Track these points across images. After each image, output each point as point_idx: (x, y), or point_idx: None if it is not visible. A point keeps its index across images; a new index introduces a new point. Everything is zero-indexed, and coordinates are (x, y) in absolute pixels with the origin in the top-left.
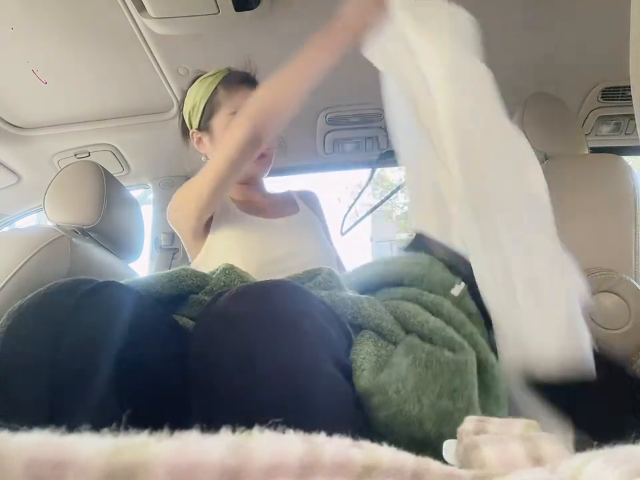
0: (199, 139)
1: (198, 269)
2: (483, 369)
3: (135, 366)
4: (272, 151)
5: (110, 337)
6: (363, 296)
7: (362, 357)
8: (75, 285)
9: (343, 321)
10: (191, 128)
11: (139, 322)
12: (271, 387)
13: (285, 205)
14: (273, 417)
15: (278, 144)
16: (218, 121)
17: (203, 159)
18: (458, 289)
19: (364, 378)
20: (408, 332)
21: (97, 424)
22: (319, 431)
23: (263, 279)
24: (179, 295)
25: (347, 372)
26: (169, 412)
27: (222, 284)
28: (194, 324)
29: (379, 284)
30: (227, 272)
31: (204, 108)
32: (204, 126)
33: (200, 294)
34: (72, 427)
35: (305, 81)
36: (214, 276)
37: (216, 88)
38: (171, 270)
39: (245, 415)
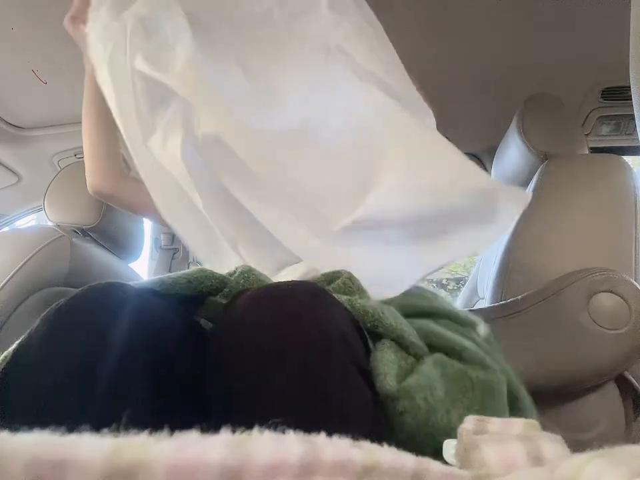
0: None
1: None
2: (511, 403)
3: (166, 371)
4: None
5: (147, 345)
6: (385, 305)
7: (383, 363)
8: (112, 290)
9: (361, 326)
10: None
11: (172, 328)
12: (292, 391)
13: None
14: (295, 422)
15: None
16: None
17: None
18: (483, 328)
19: (389, 381)
20: (434, 351)
21: (132, 424)
22: (342, 436)
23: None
24: (197, 296)
25: (368, 378)
26: (193, 414)
27: (241, 287)
28: (212, 325)
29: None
30: (245, 275)
31: None
32: None
33: (218, 296)
34: (107, 426)
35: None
36: (232, 278)
37: None
38: (188, 270)
39: (265, 420)
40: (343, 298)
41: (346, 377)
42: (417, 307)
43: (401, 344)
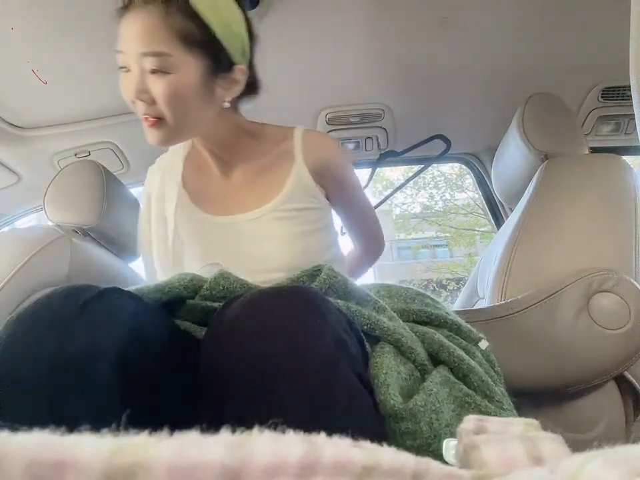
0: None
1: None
2: None
3: (138, 372)
4: (167, 112)
5: (113, 345)
6: (382, 309)
7: (384, 371)
8: (75, 292)
9: (357, 328)
10: (237, 63)
11: (142, 328)
12: (290, 397)
13: (264, 186)
14: (293, 426)
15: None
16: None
17: (226, 104)
18: (485, 343)
19: (394, 398)
20: (437, 362)
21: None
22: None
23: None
24: (175, 300)
25: (367, 384)
26: (173, 417)
27: (221, 288)
28: (196, 327)
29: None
30: (224, 275)
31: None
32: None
33: (196, 298)
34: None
35: None
36: (211, 279)
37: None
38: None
39: (261, 424)
40: (340, 303)
41: (342, 382)
42: (417, 313)
43: (399, 348)
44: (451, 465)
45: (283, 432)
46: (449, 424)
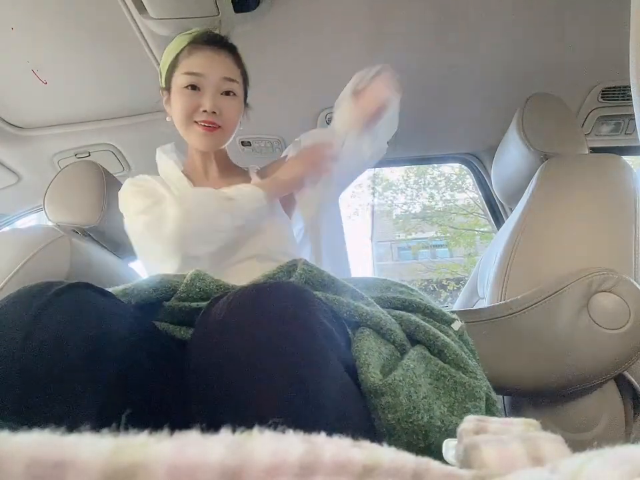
0: (167, 99)
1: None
2: (487, 408)
3: (109, 363)
4: (227, 123)
5: (80, 338)
6: (359, 296)
7: (365, 352)
8: (45, 287)
9: (339, 316)
10: (162, 86)
11: (113, 321)
12: (281, 391)
13: (238, 180)
14: (286, 421)
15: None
16: (174, 80)
17: (167, 119)
18: (457, 324)
19: (374, 375)
20: (414, 342)
21: (72, 424)
22: (330, 433)
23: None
24: (149, 303)
25: (352, 370)
26: (149, 411)
27: (197, 289)
28: (176, 327)
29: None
30: (200, 277)
31: (169, 65)
32: (167, 84)
33: (172, 300)
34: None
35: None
36: (187, 281)
37: (185, 47)
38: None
39: (254, 421)
40: (318, 294)
41: (331, 373)
42: (392, 300)
43: (378, 331)
44: (451, 465)
45: (283, 432)
46: (427, 396)
